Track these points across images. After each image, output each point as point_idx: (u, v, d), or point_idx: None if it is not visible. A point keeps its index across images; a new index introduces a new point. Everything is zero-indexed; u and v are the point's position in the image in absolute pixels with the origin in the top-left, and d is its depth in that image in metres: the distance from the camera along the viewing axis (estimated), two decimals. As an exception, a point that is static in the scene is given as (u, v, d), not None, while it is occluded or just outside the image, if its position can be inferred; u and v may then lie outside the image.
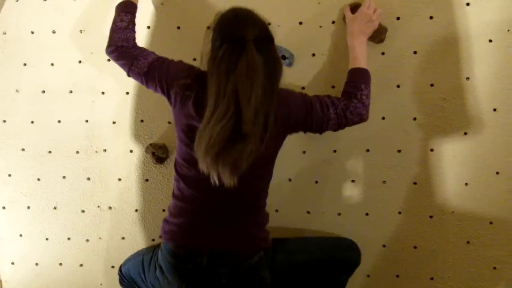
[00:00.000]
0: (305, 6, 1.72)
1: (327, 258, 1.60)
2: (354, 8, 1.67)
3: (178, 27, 1.76)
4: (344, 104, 1.50)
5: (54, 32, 1.79)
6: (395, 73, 1.74)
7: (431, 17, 1.71)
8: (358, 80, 1.54)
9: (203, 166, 1.31)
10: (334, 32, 1.73)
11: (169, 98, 1.47)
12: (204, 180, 1.36)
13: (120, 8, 1.58)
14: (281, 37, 1.70)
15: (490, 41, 1.71)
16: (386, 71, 1.74)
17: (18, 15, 1.78)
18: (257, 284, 1.45)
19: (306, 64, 1.75)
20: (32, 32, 1.79)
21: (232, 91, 1.27)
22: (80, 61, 1.79)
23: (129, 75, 1.55)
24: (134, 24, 1.59)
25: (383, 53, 1.74)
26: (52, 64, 1.80)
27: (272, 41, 1.37)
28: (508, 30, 1.71)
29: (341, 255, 1.61)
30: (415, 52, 1.73)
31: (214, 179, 1.32)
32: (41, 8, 1.78)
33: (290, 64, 1.75)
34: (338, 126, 1.51)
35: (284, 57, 1.74)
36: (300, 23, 1.74)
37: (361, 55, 1.60)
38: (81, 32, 1.78)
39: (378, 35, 1.70)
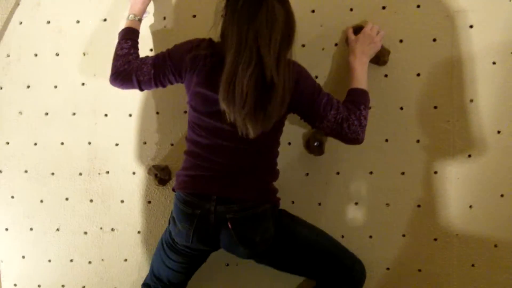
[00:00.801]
0: (308, 28, 1.72)
1: (329, 253, 1.58)
2: (357, 30, 1.67)
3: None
4: (345, 115, 1.48)
5: (57, 54, 1.79)
6: (398, 95, 1.74)
7: (434, 39, 1.71)
8: (358, 100, 1.53)
9: (236, 116, 1.34)
10: (336, 54, 1.74)
11: (182, 75, 1.49)
12: (216, 132, 1.44)
13: (120, 36, 1.59)
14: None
15: (494, 63, 1.71)
16: (389, 93, 1.73)
17: (22, 37, 1.79)
18: (261, 233, 1.47)
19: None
20: (36, 55, 1.80)
21: (254, 39, 1.30)
22: (83, 83, 1.80)
23: (142, 89, 1.55)
24: (136, 49, 1.59)
25: (386, 75, 1.73)
26: (55, 86, 1.80)
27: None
28: (511, 53, 1.70)
29: (344, 261, 1.60)
30: (418, 74, 1.73)
31: (243, 129, 1.36)
32: (45, 30, 1.78)
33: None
34: (330, 131, 1.48)
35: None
36: (303, 45, 1.73)
37: (362, 76, 1.60)
38: (84, 54, 1.79)
39: (381, 57, 1.70)
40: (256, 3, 1.32)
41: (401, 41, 1.72)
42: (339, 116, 1.47)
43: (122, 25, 1.71)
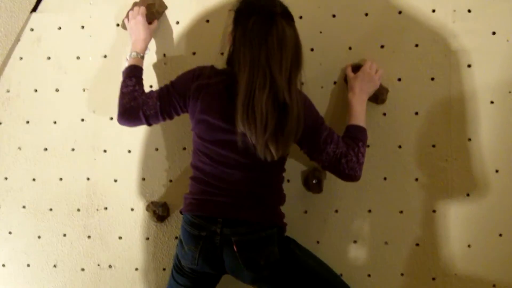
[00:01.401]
0: (307, 66, 1.68)
1: (331, 286, 1.56)
2: (356, 68, 1.68)
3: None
4: (344, 150, 1.48)
5: (57, 90, 1.80)
6: (396, 133, 1.74)
7: (432, 78, 1.73)
8: (356, 136, 1.54)
9: (258, 139, 1.34)
10: (335, 93, 1.75)
11: (186, 104, 1.50)
12: (221, 160, 1.44)
13: (124, 75, 1.59)
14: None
15: (492, 102, 1.72)
16: (387, 131, 1.74)
17: (22, 73, 1.80)
18: (266, 256, 1.45)
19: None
20: (35, 90, 1.80)
21: (266, 60, 1.32)
22: (82, 119, 1.80)
23: (150, 124, 1.56)
24: (141, 85, 1.59)
25: (384, 114, 1.74)
26: (55, 122, 1.81)
27: (294, 21, 1.42)
28: (510, 92, 1.72)
29: None
30: (416, 113, 1.74)
31: (264, 152, 1.37)
32: (45, 66, 1.79)
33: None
34: (328, 165, 1.48)
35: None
36: (302, 83, 1.72)
37: (361, 113, 1.60)
38: (84, 90, 1.79)
39: (379, 96, 1.71)
40: (267, 24, 1.33)
41: (399, 79, 1.73)
42: (338, 151, 1.47)
43: (123, 61, 1.74)
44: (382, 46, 1.72)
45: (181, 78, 1.52)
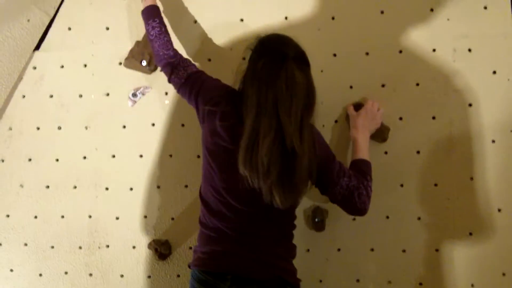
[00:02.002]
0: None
1: None
2: (357, 107, 1.69)
3: (182, 125, 1.78)
4: (355, 183, 1.46)
5: (59, 128, 1.80)
6: (398, 172, 1.74)
7: (433, 117, 1.73)
8: (364, 170, 1.53)
9: (261, 185, 1.30)
10: (336, 131, 1.75)
11: (198, 112, 1.50)
12: (229, 206, 1.40)
13: (146, 18, 1.61)
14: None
15: (493, 141, 1.72)
16: (389, 170, 1.74)
17: (24, 110, 1.81)
18: None
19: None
20: (38, 128, 1.81)
21: (273, 105, 1.29)
22: (84, 157, 1.80)
23: (169, 82, 1.58)
24: (165, 27, 1.61)
25: (386, 153, 1.74)
26: (57, 160, 1.81)
27: (309, 67, 1.39)
28: (511, 131, 1.71)
29: None
30: (418, 152, 1.74)
31: (269, 198, 1.32)
32: (47, 104, 1.80)
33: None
34: (341, 198, 1.45)
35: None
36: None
37: (365, 148, 1.60)
38: (86, 128, 1.80)
39: (381, 135, 1.72)
40: (276, 67, 1.31)
41: (400, 118, 1.74)
42: (351, 184, 1.45)
43: (125, 99, 1.74)
44: (383, 85, 1.73)
45: (212, 84, 1.53)
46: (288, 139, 1.29)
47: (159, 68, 1.68)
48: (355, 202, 1.46)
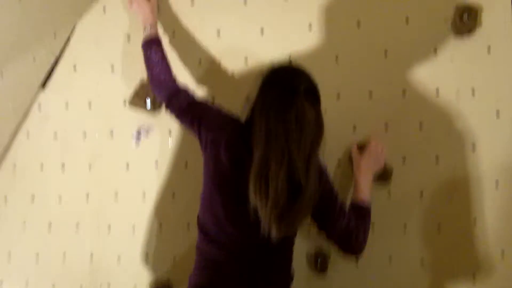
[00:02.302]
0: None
1: None
2: (362, 148, 1.69)
3: (186, 165, 1.78)
4: (354, 224, 1.47)
5: (63, 166, 1.81)
6: (401, 214, 1.74)
7: (437, 158, 1.72)
8: (363, 213, 1.53)
9: (266, 213, 1.30)
10: (339, 174, 1.74)
11: (200, 140, 1.48)
12: (229, 234, 1.40)
13: (148, 44, 1.58)
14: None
15: (497, 183, 1.71)
16: (392, 211, 1.73)
17: (28, 149, 1.82)
18: None
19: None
20: (41, 166, 1.81)
21: (284, 139, 1.28)
22: (87, 196, 1.80)
23: (167, 108, 1.56)
24: (167, 56, 1.60)
25: (389, 193, 1.74)
26: (60, 198, 1.81)
27: (319, 101, 1.40)
28: (515, 172, 1.71)
29: None
30: (421, 193, 1.73)
31: (266, 229, 1.31)
32: (51, 142, 1.81)
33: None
34: (338, 238, 1.47)
35: None
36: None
37: (366, 189, 1.60)
38: (89, 167, 1.80)
39: (384, 176, 1.71)
40: (287, 101, 1.30)
41: (404, 159, 1.73)
42: (351, 224, 1.46)
43: (129, 138, 1.75)
44: (386, 125, 1.73)
45: (214, 112, 1.51)
46: (296, 173, 1.29)
47: (163, 108, 1.68)
48: (354, 243, 1.48)
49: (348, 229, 1.46)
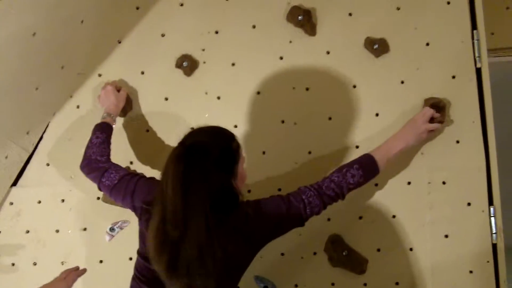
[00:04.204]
0: (286, 237, 1.73)
1: None
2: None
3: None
4: (317, 183, 1.43)
5: (35, 264, 1.79)
6: (378, 305, 1.74)
7: (411, 249, 1.74)
8: (356, 161, 1.49)
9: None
10: (315, 263, 1.75)
11: (135, 211, 1.46)
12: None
13: (95, 129, 1.61)
14: (264, 268, 1.72)
15: (471, 272, 1.73)
16: (369, 303, 1.74)
17: (0, 246, 1.78)
18: None
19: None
20: (13, 264, 1.79)
21: (161, 189, 1.21)
22: (60, 294, 1.77)
23: (99, 188, 1.53)
24: (109, 143, 1.61)
25: (365, 284, 1.76)
26: (31, 297, 1.77)
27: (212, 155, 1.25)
28: (488, 262, 1.73)
29: None
30: (397, 283, 1.75)
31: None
32: (23, 240, 1.79)
33: None
34: (318, 210, 1.41)
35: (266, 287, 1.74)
36: (282, 254, 1.75)
37: (388, 150, 1.53)
38: (62, 264, 1.78)
39: (359, 266, 1.73)
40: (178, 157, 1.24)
41: (378, 250, 1.75)
42: (312, 189, 1.40)
43: (103, 234, 1.74)
44: (360, 217, 1.75)
45: (146, 183, 1.46)
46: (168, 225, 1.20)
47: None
48: (328, 194, 1.42)
49: (314, 192, 1.40)
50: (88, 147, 1.59)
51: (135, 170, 1.75)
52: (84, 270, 1.60)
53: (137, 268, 1.45)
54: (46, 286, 1.49)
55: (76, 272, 1.57)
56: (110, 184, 1.49)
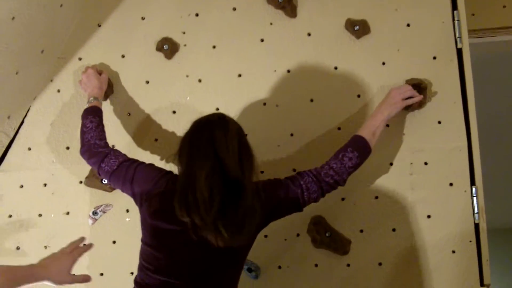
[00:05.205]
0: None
1: None
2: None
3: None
4: (316, 169, 1.46)
5: (17, 248, 1.79)
6: (360, 284, 1.75)
7: (393, 230, 1.74)
8: (349, 144, 1.51)
9: (206, 222, 1.25)
10: (298, 246, 1.75)
11: (134, 197, 1.47)
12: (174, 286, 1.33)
13: (86, 114, 1.60)
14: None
15: (453, 252, 1.73)
16: (351, 282, 1.75)
17: (-17, 231, 1.79)
18: None
19: (272, 275, 1.75)
20: (-4, 248, 1.79)
21: (208, 143, 1.30)
22: (44, 278, 1.77)
23: (99, 174, 1.54)
24: (103, 126, 1.61)
25: (348, 265, 1.75)
26: None
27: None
28: (470, 241, 1.73)
29: None
30: (380, 264, 1.74)
31: (216, 237, 1.27)
32: (6, 225, 1.79)
33: (256, 277, 1.75)
34: (316, 196, 1.45)
35: (250, 270, 1.74)
36: (265, 236, 1.75)
37: (372, 127, 1.55)
38: (45, 248, 1.79)
39: (342, 247, 1.73)
40: (202, 129, 1.37)
41: (361, 231, 1.75)
42: (311, 176, 1.44)
43: (85, 218, 1.73)
44: (343, 199, 1.75)
45: (146, 169, 1.48)
46: (230, 171, 1.28)
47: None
48: (327, 181, 1.45)
49: (313, 178, 1.43)
50: (84, 132, 1.57)
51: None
52: (91, 245, 1.55)
53: (143, 257, 1.43)
54: (51, 257, 1.44)
55: (84, 248, 1.52)
56: (109, 169, 1.49)
